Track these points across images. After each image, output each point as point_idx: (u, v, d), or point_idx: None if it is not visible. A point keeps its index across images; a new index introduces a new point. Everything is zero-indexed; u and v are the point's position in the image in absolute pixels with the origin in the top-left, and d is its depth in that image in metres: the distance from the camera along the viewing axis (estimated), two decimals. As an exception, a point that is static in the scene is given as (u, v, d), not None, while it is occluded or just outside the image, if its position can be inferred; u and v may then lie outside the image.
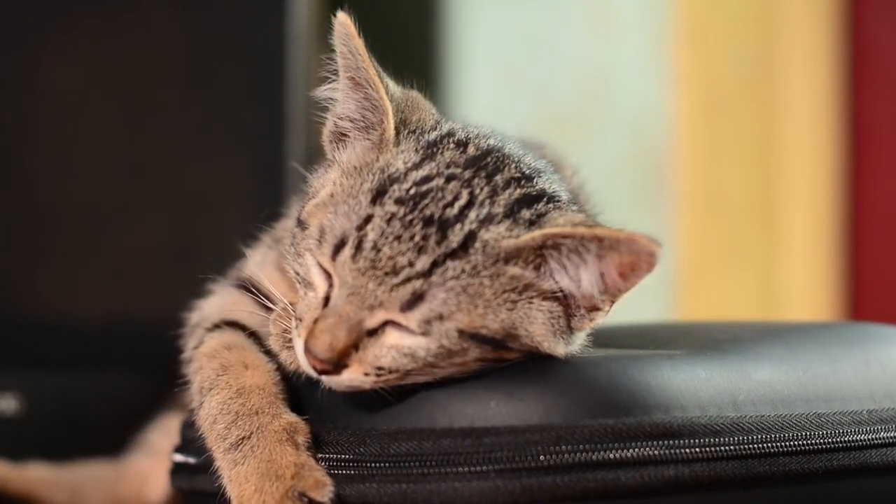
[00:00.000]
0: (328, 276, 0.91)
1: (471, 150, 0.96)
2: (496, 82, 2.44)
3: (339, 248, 0.90)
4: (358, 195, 0.92)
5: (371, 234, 0.89)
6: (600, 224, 0.92)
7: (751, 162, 2.40)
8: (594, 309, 0.92)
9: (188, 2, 1.69)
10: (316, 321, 0.90)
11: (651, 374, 0.92)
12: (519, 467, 0.88)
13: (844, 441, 0.96)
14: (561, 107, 2.39)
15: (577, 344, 0.95)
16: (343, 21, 0.96)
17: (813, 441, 0.94)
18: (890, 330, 1.10)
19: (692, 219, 2.34)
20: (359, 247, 0.89)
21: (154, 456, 1.35)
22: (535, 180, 0.95)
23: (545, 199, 0.94)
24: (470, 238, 0.90)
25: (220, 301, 1.07)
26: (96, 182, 1.66)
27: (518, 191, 0.93)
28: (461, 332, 0.89)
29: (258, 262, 1.07)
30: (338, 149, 0.99)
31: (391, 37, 2.49)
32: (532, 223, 0.91)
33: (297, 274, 0.94)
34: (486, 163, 0.95)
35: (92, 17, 1.67)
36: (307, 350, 0.90)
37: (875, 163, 2.51)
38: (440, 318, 0.88)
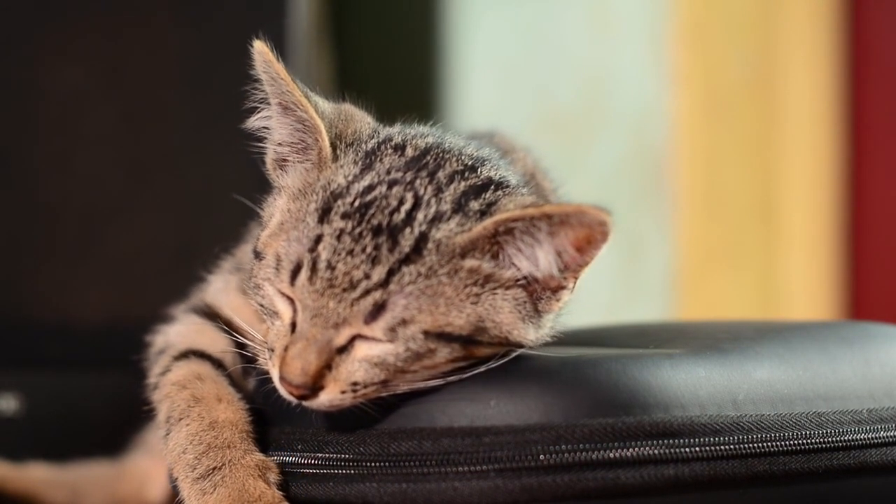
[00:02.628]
0: (291, 302, 0.92)
1: (409, 151, 0.96)
2: (496, 82, 2.44)
3: (295, 272, 0.90)
4: (305, 217, 0.92)
5: (324, 253, 0.89)
6: (549, 202, 0.92)
7: (751, 162, 2.40)
8: (559, 288, 0.92)
9: (188, 2, 1.69)
10: (286, 348, 0.90)
11: (651, 374, 0.92)
12: (519, 466, 0.88)
13: (844, 440, 0.96)
14: (561, 107, 2.38)
15: (548, 327, 0.95)
16: (260, 49, 0.96)
17: (813, 440, 0.94)
18: (890, 329, 1.10)
19: (692, 219, 2.34)
20: (314, 268, 0.89)
21: (154, 456, 1.35)
22: (479, 170, 0.95)
23: (492, 186, 0.94)
24: (422, 240, 0.90)
25: (185, 328, 1.07)
26: (96, 182, 1.66)
27: (463, 183, 0.93)
28: (427, 333, 0.89)
29: (220, 289, 1.07)
30: (281, 175, 0.99)
31: (391, 37, 2.49)
32: (483, 213, 0.91)
33: (262, 306, 0.94)
34: (426, 162, 0.95)
35: (92, 17, 1.67)
36: (282, 378, 0.90)
37: (875, 162, 2.51)
38: (404, 323, 0.89)
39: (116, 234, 1.65)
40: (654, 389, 0.91)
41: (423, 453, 0.90)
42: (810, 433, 0.94)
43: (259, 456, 0.95)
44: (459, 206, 0.91)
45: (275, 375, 0.91)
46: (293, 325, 0.91)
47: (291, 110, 0.97)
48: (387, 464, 0.90)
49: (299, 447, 0.94)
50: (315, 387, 0.89)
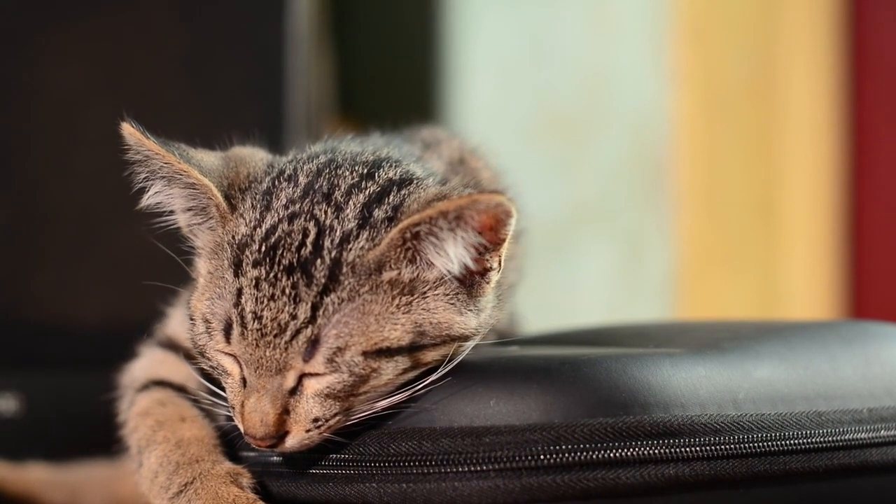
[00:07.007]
0: (235, 357, 0.92)
1: (301, 179, 0.94)
2: (496, 82, 2.44)
3: (228, 330, 0.90)
4: (224, 274, 0.92)
5: (247, 305, 0.89)
6: (447, 195, 0.89)
7: (751, 162, 2.40)
8: (485, 271, 0.92)
9: (188, 2, 1.69)
10: (243, 404, 0.90)
11: (651, 373, 0.92)
12: (519, 466, 0.88)
13: (845, 439, 0.96)
14: (561, 107, 2.39)
15: (489, 308, 0.94)
16: (129, 131, 0.96)
17: (813, 439, 0.94)
18: (890, 328, 1.10)
19: (692, 219, 2.34)
20: (243, 322, 0.89)
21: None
22: (376, 175, 0.94)
23: (394, 187, 0.93)
24: (335, 267, 0.89)
25: (147, 362, 1.07)
26: (96, 182, 1.66)
27: (361, 195, 0.92)
28: (365, 354, 0.88)
29: (181, 321, 1.07)
30: (195, 239, 0.99)
31: (391, 37, 2.49)
32: (391, 219, 0.91)
33: (213, 367, 0.94)
34: (320, 185, 0.93)
35: (92, 16, 1.67)
36: (246, 435, 0.90)
37: (875, 162, 2.51)
38: (340, 351, 0.88)
39: (116, 234, 1.65)
40: (655, 389, 0.91)
41: (423, 453, 0.90)
42: (811, 432, 0.94)
43: (229, 464, 0.95)
44: (364, 220, 0.91)
45: (241, 430, 0.91)
46: (244, 380, 0.91)
47: (177, 178, 0.96)
48: (387, 464, 0.90)
49: (299, 447, 0.94)
50: (279, 434, 0.90)
